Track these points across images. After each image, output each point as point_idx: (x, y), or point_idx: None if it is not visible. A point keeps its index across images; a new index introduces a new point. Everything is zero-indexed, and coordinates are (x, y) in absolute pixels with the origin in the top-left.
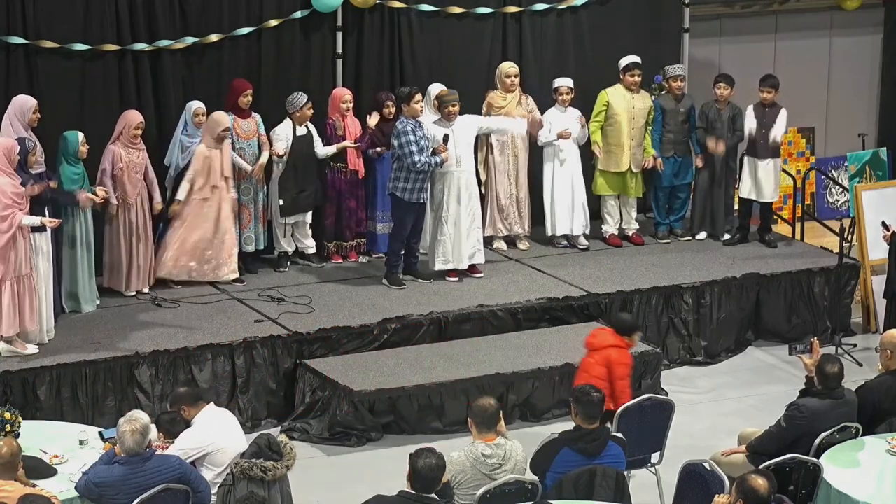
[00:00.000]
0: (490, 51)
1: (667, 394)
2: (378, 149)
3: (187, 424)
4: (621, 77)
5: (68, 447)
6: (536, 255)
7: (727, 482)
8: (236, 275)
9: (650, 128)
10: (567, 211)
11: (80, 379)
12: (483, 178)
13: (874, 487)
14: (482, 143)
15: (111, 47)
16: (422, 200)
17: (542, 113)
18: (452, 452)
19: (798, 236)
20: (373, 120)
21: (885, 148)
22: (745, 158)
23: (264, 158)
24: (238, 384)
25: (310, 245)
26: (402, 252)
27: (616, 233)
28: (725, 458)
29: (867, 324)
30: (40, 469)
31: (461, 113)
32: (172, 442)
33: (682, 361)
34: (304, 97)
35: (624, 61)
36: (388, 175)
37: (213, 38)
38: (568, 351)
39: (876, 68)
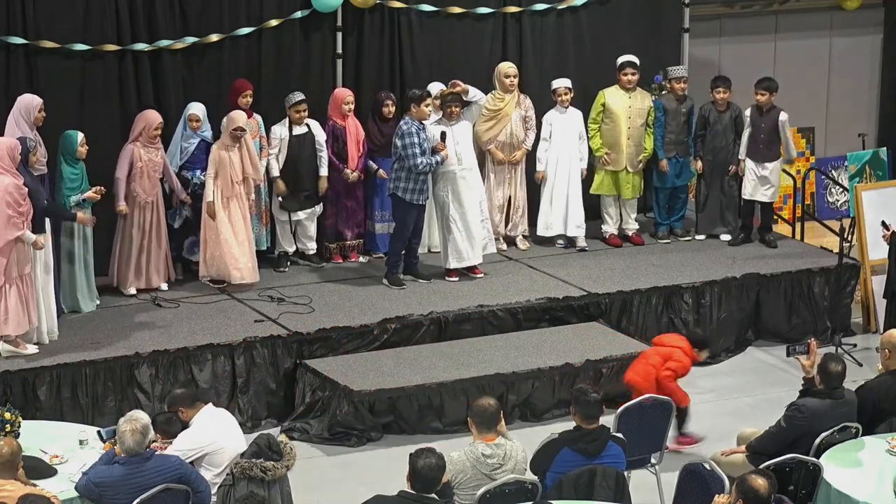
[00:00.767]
0: (490, 51)
1: None
2: (380, 171)
3: (184, 425)
4: (617, 76)
5: (68, 447)
6: (536, 255)
7: (727, 482)
8: (257, 278)
9: (650, 128)
10: (562, 211)
11: (80, 379)
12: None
13: (874, 487)
14: (475, 143)
15: (111, 47)
16: (423, 202)
17: (543, 115)
18: (452, 452)
19: (798, 236)
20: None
21: (885, 148)
22: (746, 161)
23: (262, 169)
24: (238, 384)
25: (311, 245)
26: (403, 252)
27: (616, 233)
28: (725, 458)
29: (867, 324)
30: (40, 469)
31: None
32: (170, 442)
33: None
34: (296, 96)
35: (619, 60)
36: (386, 169)
37: (214, 38)
38: (568, 351)
39: (876, 68)
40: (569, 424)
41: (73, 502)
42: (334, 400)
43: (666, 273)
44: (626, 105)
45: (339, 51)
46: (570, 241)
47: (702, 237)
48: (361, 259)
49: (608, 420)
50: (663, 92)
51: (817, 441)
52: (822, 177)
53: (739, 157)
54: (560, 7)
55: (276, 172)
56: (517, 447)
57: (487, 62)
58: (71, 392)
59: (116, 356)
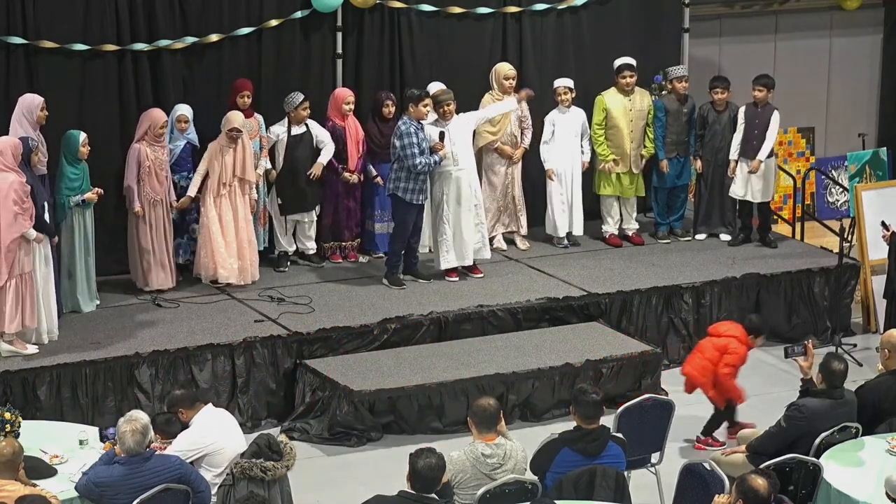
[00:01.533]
0: (490, 51)
1: (667, 394)
2: (378, 179)
3: (184, 425)
4: (615, 79)
5: (68, 447)
6: (536, 255)
7: (727, 482)
8: (248, 280)
9: (650, 128)
10: (566, 210)
11: (80, 379)
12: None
13: (874, 487)
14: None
15: (111, 47)
16: (422, 201)
17: (543, 114)
18: (452, 452)
19: (798, 236)
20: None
21: (885, 148)
22: (739, 160)
23: (261, 169)
24: (238, 384)
25: (310, 245)
26: (403, 252)
27: (616, 233)
28: (725, 458)
29: (867, 324)
30: (40, 469)
31: (458, 112)
32: (170, 443)
33: (682, 361)
34: (299, 97)
35: (616, 63)
36: (387, 175)
37: (213, 38)
38: (568, 351)
39: (876, 68)
40: (569, 424)
41: (73, 502)
42: (334, 400)
43: (666, 273)
44: (626, 107)
45: (339, 51)
46: (571, 240)
47: (702, 237)
48: (361, 259)
49: (608, 420)
50: (664, 92)
51: (817, 441)
52: (822, 177)
53: (731, 156)
54: (560, 7)
55: (261, 170)
56: (517, 447)
57: (487, 62)
58: (71, 392)
59: (116, 356)
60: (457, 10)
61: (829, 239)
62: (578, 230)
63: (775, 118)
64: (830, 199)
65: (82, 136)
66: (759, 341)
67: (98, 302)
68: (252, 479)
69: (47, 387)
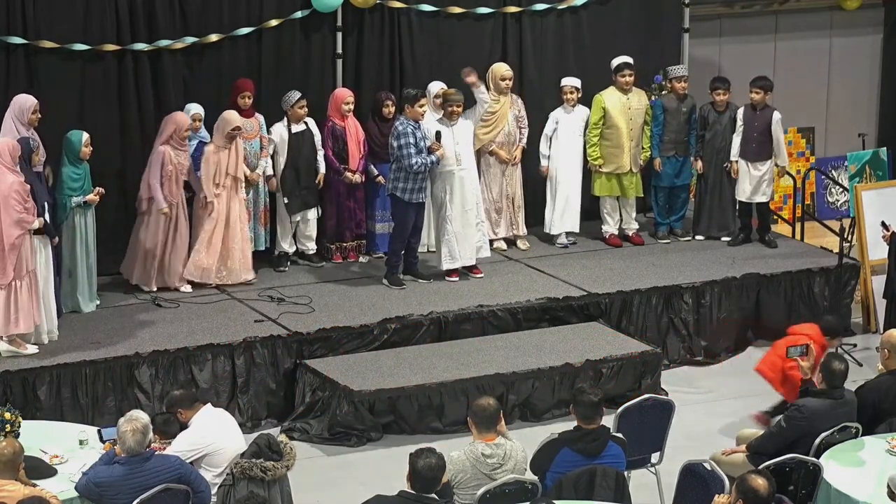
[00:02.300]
0: (490, 51)
1: (667, 394)
2: (379, 178)
3: (183, 426)
4: (613, 78)
5: (68, 447)
6: (536, 255)
7: (727, 482)
8: (252, 275)
9: (647, 127)
10: (567, 209)
11: (80, 379)
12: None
13: (874, 487)
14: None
15: (111, 47)
16: (421, 200)
17: (544, 114)
18: (452, 452)
19: (798, 236)
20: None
21: (885, 148)
22: (741, 162)
23: (261, 168)
24: (238, 384)
25: (311, 245)
26: (403, 252)
27: (616, 233)
28: (725, 457)
29: (867, 324)
30: (40, 469)
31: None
32: (169, 443)
33: (682, 361)
34: (296, 95)
35: (615, 62)
36: (387, 175)
37: (213, 38)
38: (568, 351)
39: (876, 68)
40: (569, 424)
41: (73, 502)
42: (334, 400)
43: (666, 273)
44: (625, 107)
45: (339, 51)
46: (570, 238)
47: (702, 237)
48: (361, 259)
49: (608, 420)
50: (663, 92)
51: (817, 441)
52: (822, 177)
53: (731, 158)
54: (560, 7)
55: (269, 171)
56: (517, 447)
57: (487, 62)
58: (71, 392)
59: (116, 356)
60: (457, 10)
61: (829, 239)
62: (574, 228)
63: (776, 121)
64: (830, 199)
65: (84, 136)
66: (835, 342)
67: (98, 302)
68: (252, 479)
69: (47, 387)
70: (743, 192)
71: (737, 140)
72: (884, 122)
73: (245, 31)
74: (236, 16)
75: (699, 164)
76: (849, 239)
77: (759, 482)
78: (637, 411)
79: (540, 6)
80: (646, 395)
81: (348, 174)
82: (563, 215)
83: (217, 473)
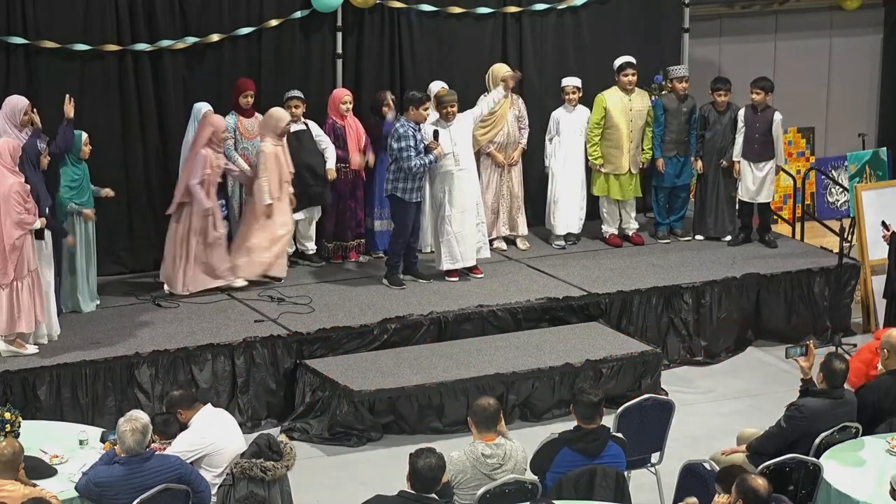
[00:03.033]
0: (490, 51)
1: (667, 394)
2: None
3: (183, 426)
4: (616, 78)
5: (68, 447)
6: (536, 255)
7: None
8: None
9: (649, 129)
10: (569, 208)
11: (80, 379)
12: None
13: (874, 487)
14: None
15: (111, 47)
16: (419, 199)
17: (546, 114)
18: (452, 452)
19: (798, 236)
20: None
21: (885, 148)
22: (742, 162)
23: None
24: (238, 384)
25: (311, 245)
26: (403, 252)
27: (616, 233)
28: (725, 457)
29: (867, 324)
30: (40, 469)
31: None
32: (169, 443)
33: (682, 361)
34: (290, 93)
35: (617, 62)
36: (384, 172)
37: (214, 38)
38: (568, 351)
39: (876, 68)
40: (569, 424)
41: (73, 502)
42: (334, 400)
43: (666, 273)
44: (626, 107)
45: (339, 51)
46: (569, 240)
47: (702, 237)
48: (361, 259)
49: (608, 420)
50: (664, 92)
51: (817, 441)
52: (822, 177)
53: (734, 157)
54: (560, 7)
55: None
56: (517, 447)
57: (487, 62)
58: (71, 392)
59: (116, 356)
60: (457, 10)
61: (829, 239)
62: (576, 228)
63: (777, 121)
64: (830, 199)
65: (84, 135)
66: None
67: (98, 302)
68: (252, 479)
69: (47, 387)
70: (746, 192)
71: (739, 139)
72: (884, 122)
73: (245, 31)
74: (236, 16)
75: (699, 164)
76: (849, 239)
77: (759, 482)
78: (637, 411)
79: (540, 6)
80: (646, 395)
81: (357, 157)
82: (564, 215)
83: (217, 473)
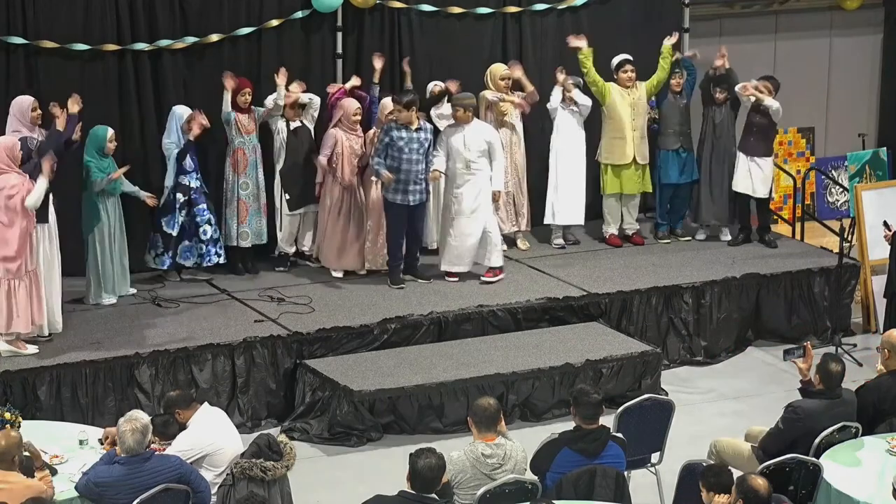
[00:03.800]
0: (490, 51)
1: (667, 394)
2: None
3: (182, 426)
4: (615, 76)
5: (68, 447)
6: (536, 255)
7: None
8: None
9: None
10: (567, 202)
11: (80, 379)
12: None
13: (874, 487)
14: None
15: (111, 47)
16: (404, 202)
17: (550, 111)
18: (452, 452)
19: (798, 236)
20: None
21: (885, 148)
22: (739, 155)
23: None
24: (238, 384)
25: (310, 245)
26: (400, 254)
27: (616, 233)
28: (730, 448)
29: (867, 324)
30: (30, 469)
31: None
32: (169, 444)
33: (682, 361)
34: (284, 92)
35: (615, 61)
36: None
37: (214, 38)
38: (568, 351)
39: (876, 68)
40: (569, 424)
41: (73, 502)
42: (334, 400)
43: (666, 273)
44: (627, 103)
45: (339, 51)
46: (566, 237)
47: (702, 237)
48: None
49: (608, 420)
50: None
51: (817, 441)
52: (822, 177)
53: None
54: (560, 7)
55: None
56: (517, 447)
57: (487, 62)
58: (71, 392)
59: (116, 356)
60: (457, 10)
61: (829, 239)
62: (579, 220)
63: (775, 110)
64: (830, 199)
65: (109, 131)
66: None
67: (122, 294)
68: (252, 479)
69: (47, 387)
70: (740, 184)
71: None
72: (884, 122)
73: (245, 31)
74: (236, 16)
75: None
76: (849, 239)
77: (759, 482)
78: (637, 411)
79: (540, 6)
80: (646, 395)
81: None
82: (564, 208)
83: (218, 473)
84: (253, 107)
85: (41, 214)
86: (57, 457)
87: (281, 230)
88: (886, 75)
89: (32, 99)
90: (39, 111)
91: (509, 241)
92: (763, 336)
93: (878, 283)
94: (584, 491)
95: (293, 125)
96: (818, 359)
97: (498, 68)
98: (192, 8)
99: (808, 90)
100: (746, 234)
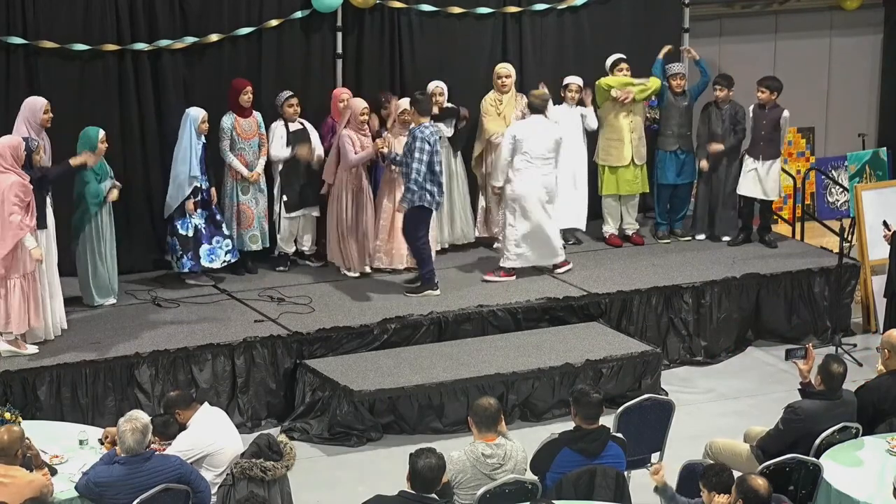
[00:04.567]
0: (490, 51)
1: (667, 394)
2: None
3: (182, 427)
4: (612, 75)
5: (68, 447)
6: None
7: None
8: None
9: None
10: (567, 204)
11: (80, 379)
12: (479, 180)
13: (874, 487)
14: (480, 140)
15: (111, 47)
16: (430, 205)
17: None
18: (452, 452)
19: (798, 236)
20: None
21: (885, 148)
22: (746, 157)
23: (261, 167)
24: (238, 384)
25: (310, 245)
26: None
27: (616, 233)
28: (728, 449)
29: (867, 324)
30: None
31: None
32: (169, 444)
33: (682, 361)
34: (286, 94)
35: (609, 61)
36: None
37: (213, 38)
38: (568, 351)
39: (876, 68)
40: (569, 424)
41: (73, 502)
42: (334, 400)
43: (666, 273)
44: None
45: (339, 51)
46: (566, 237)
47: (702, 237)
48: None
49: (608, 420)
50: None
51: (817, 441)
52: (822, 177)
53: (742, 150)
54: (560, 7)
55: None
56: (517, 447)
57: (487, 62)
58: (71, 392)
59: (116, 356)
60: (457, 10)
61: (829, 239)
62: (581, 224)
63: (786, 116)
64: (830, 199)
65: (101, 133)
66: None
67: (114, 301)
68: (252, 479)
69: (47, 387)
70: (745, 188)
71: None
72: (884, 122)
73: (245, 31)
74: (236, 16)
75: (704, 163)
76: (849, 239)
77: (759, 482)
78: (637, 411)
79: (540, 6)
80: (646, 395)
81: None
82: (566, 212)
83: (218, 473)
84: (255, 112)
85: (40, 220)
86: (57, 457)
87: (280, 231)
88: (886, 75)
89: (45, 101)
90: (51, 114)
91: None
92: (763, 336)
93: (878, 283)
94: (584, 491)
95: (293, 127)
96: (819, 360)
97: (497, 67)
98: (192, 8)
99: (808, 90)
100: (746, 234)
